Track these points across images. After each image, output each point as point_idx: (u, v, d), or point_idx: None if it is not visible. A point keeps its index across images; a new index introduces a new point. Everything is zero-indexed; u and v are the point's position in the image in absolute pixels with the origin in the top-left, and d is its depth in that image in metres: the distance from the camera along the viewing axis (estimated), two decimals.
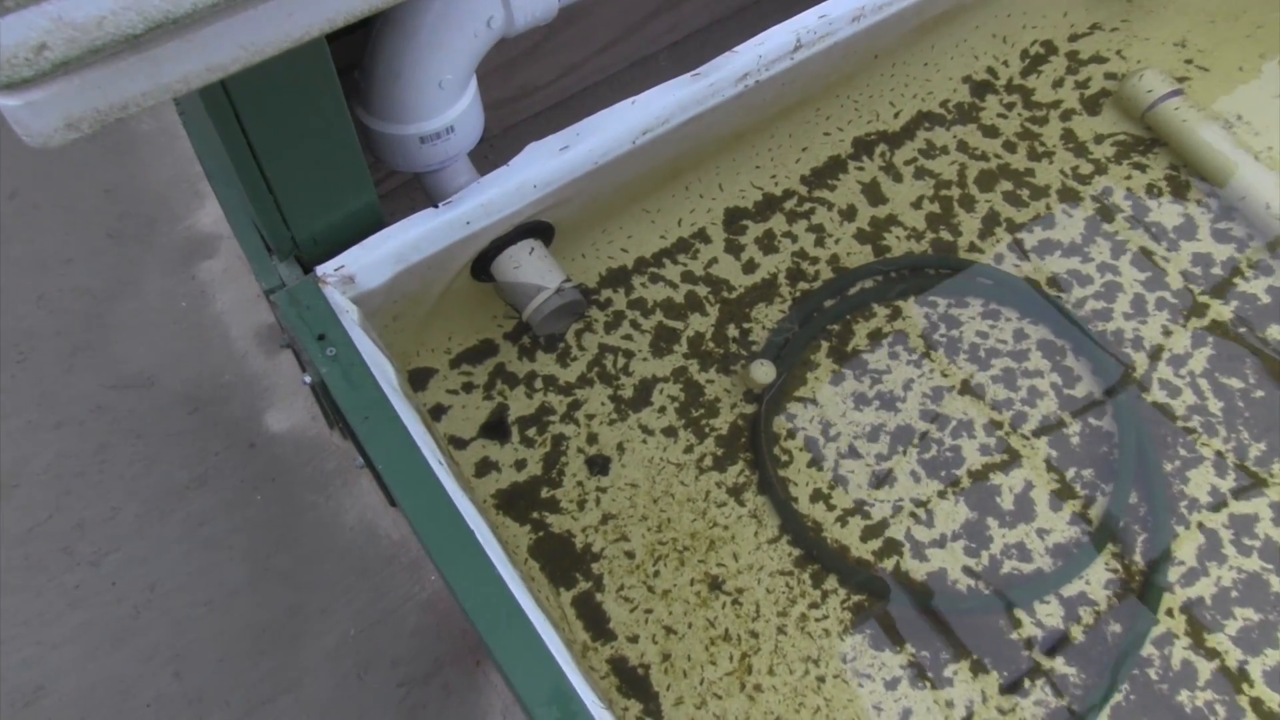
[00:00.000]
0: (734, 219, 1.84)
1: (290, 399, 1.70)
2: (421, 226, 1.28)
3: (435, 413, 1.62)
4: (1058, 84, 1.88)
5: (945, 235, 1.86)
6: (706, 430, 1.64)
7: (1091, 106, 1.82)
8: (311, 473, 1.62)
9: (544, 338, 1.70)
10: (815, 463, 1.61)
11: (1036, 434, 1.64)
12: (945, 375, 1.73)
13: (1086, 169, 1.80)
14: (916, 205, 1.88)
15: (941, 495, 1.62)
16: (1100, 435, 1.56)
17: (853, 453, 1.62)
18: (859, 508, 1.59)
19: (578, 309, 1.53)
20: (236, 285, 1.79)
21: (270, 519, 1.58)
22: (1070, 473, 1.54)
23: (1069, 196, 1.81)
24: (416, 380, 1.65)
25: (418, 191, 1.74)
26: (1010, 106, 1.93)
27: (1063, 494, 1.53)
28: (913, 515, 1.60)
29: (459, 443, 1.62)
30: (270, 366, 1.75)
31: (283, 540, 1.56)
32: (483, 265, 1.47)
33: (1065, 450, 1.58)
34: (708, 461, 1.62)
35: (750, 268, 1.78)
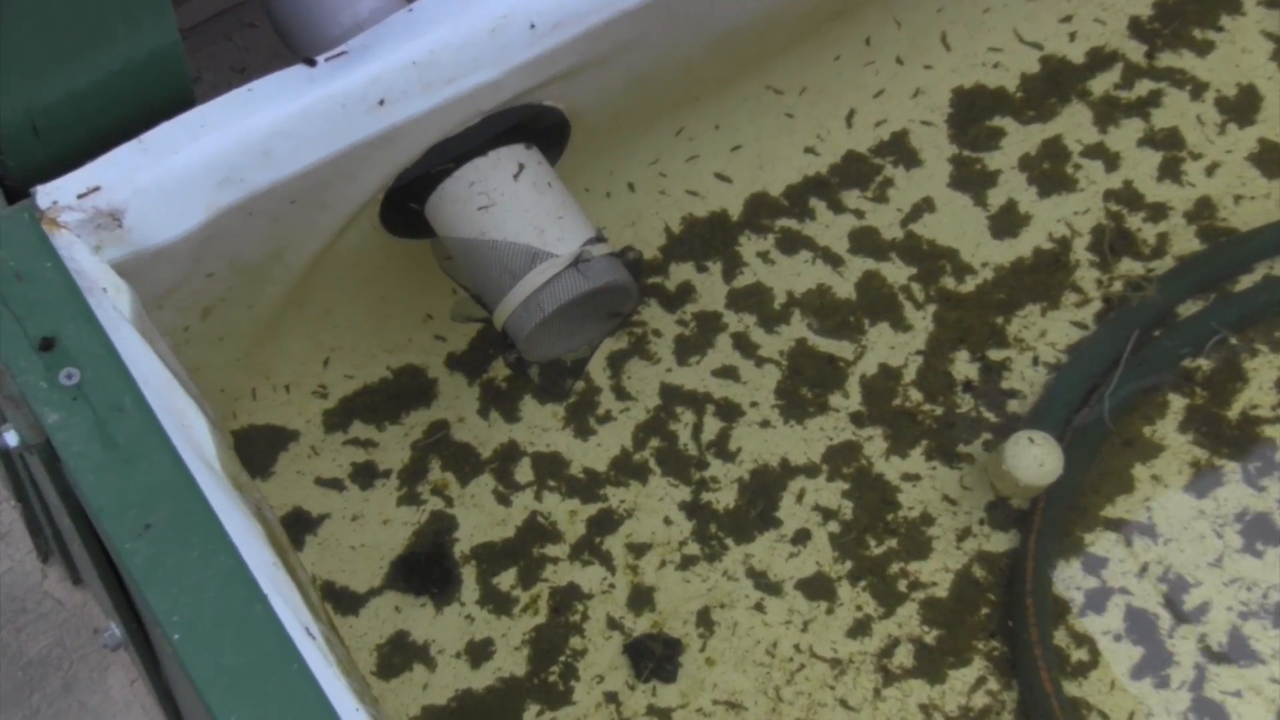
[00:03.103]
0: (972, 114, 1.81)
1: None
2: (277, 108, 1.26)
3: (295, 526, 1.61)
4: None
5: None
6: (900, 587, 1.61)
7: None
8: None
9: (538, 367, 1.70)
10: (1149, 669, 1.55)
11: None
12: None
13: None
14: None
15: None
16: None
17: (1240, 650, 1.56)
18: None
19: (617, 304, 1.53)
20: None
21: None
22: None
23: None
24: (254, 451, 1.64)
25: (260, 31, 1.74)
26: None
27: None
28: None
29: (346, 598, 1.60)
30: None
31: None
32: (410, 200, 1.46)
33: None
34: (903, 657, 1.57)
35: (1009, 224, 1.76)
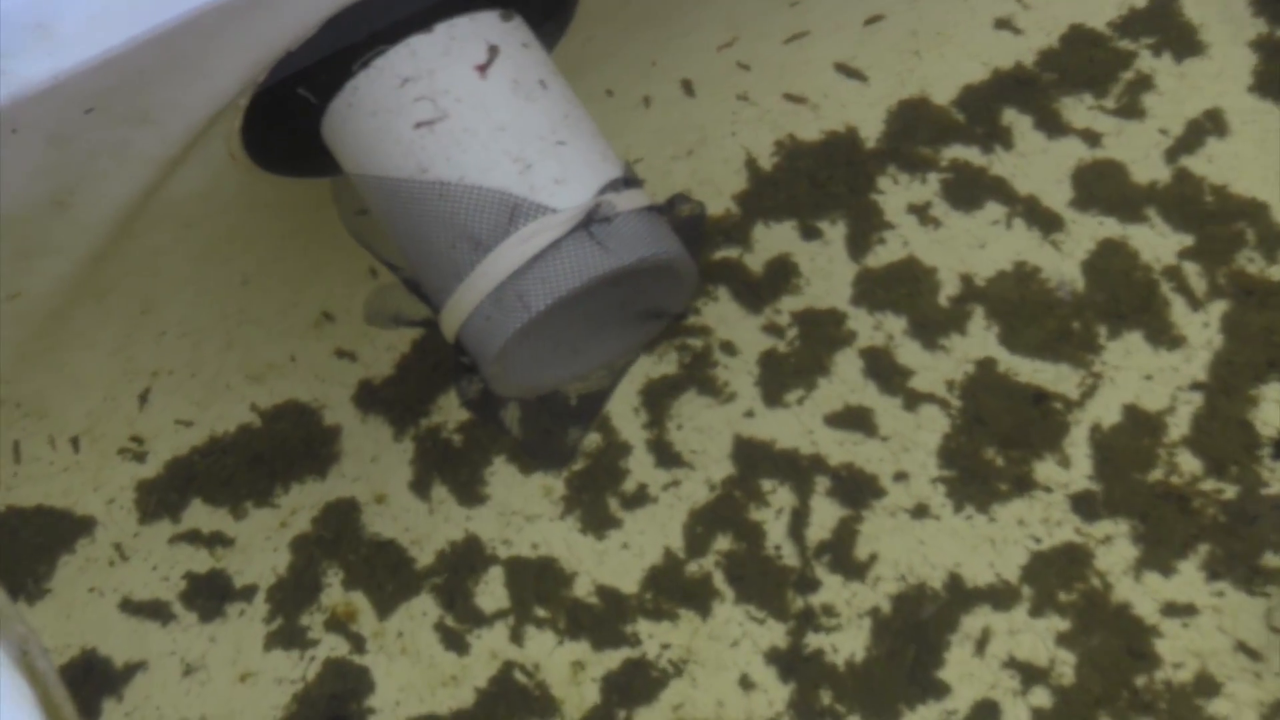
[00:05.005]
0: None
1: None
2: None
3: (88, 683, 1.69)
4: None
5: None
6: None
7: None
8: None
9: (519, 406, 1.72)
10: None
11: None
12: None
13: None
14: None
15: None
16: None
17: None
18: None
19: (659, 297, 1.61)
20: None
21: None
22: None
23: None
24: (17, 552, 1.74)
25: None
26: None
27: None
28: None
29: None
30: None
31: None
32: (297, 110, 1.53)
33: None
34: None
35: None
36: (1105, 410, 1.74)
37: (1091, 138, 1.78)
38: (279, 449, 1.71)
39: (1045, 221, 1.76)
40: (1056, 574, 1.71)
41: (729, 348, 1.71)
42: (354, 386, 1.71)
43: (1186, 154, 1.77)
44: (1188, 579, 1.70)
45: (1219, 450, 1.73)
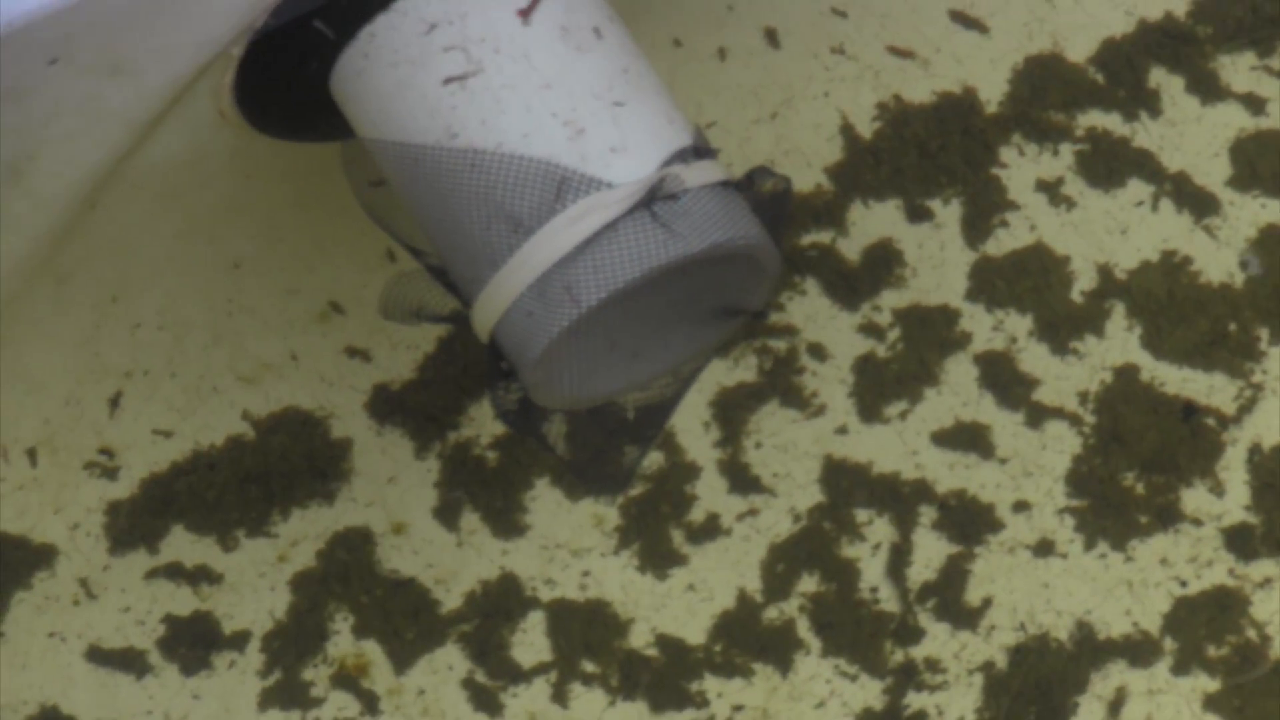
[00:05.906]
0: None
1: None
2: None
3: None
4: None
5: None
6: None
7: None
8: None
9: (565, 420, 1.63)
10: None
11: None
12: None
13: None
14: None
15: None
16: None
17: None
18: None
19: (735, 291, 1.54)
20: None
21: None
22: None
23: None
24: None
25: None
26: None
27: None
28: None
29: None
30: None
31: None
32: (301, 61, 1.47)
33: None
34: None
35: None
36: (1266, 428, 1.63)
37: (1255, 104, 1.66)
38: (277, 466, 1.61)
39: (1198, 203, 1.65)
40: (1206, 623, 1.60)
41: (818, 351, 1.61)
42: (367, 392, 1.61)
43: None
44: None
45: None
